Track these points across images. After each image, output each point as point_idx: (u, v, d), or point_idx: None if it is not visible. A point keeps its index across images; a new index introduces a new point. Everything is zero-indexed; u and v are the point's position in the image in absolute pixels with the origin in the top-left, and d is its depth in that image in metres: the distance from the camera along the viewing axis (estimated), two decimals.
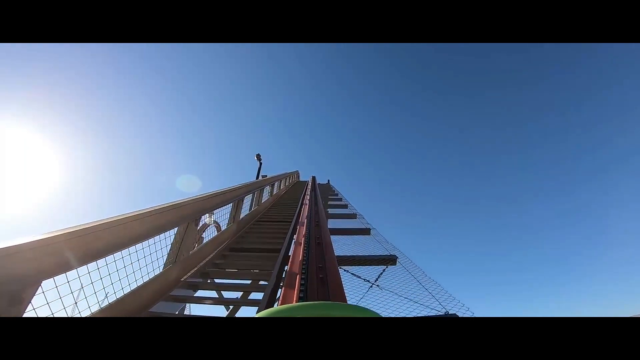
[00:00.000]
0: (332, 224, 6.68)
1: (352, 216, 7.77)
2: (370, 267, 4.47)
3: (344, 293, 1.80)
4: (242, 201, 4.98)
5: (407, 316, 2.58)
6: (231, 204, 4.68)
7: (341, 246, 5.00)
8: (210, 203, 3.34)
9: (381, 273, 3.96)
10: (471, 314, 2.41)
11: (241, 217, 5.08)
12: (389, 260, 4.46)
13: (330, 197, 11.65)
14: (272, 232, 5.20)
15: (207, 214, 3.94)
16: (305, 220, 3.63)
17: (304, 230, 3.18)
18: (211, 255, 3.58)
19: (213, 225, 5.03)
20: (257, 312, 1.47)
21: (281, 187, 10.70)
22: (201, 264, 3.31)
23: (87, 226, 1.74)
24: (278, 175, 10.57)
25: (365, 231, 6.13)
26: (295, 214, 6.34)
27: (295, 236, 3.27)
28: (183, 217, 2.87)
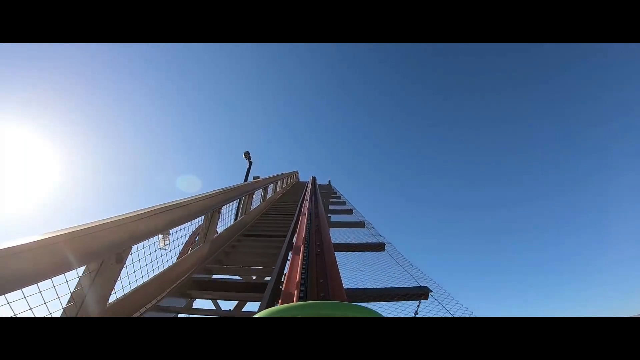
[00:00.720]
0: (334, 233, 5.50)
1: (360, 225, 6.61)
2: (391, 303, 3.27)
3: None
4: (219, 212, 3.75)
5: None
6: (203, 216, 3.47)
7: (348, 271, 3.79)
8: (141, 226, 2.06)
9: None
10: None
11: (219, 232, 3.86)
12: (419, 294, 3.22)
13: (331, 200, 10.46)
14: (258, 252, 3.98)
15: (160, 235, 2.73)
16: (302, 245, 2.41)
17: (299, 265, 1.96)
18: (157, 299, 2.34)
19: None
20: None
21: (277, 190, 9.44)
22: (138, 312, 2.08)
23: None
24: (274, 177, 9.29)
25: (379, 247, 4.91)
26: (292, 225, 5.14)
27: (285, 276, 2.04)
28: (86, 253, 1.65)
